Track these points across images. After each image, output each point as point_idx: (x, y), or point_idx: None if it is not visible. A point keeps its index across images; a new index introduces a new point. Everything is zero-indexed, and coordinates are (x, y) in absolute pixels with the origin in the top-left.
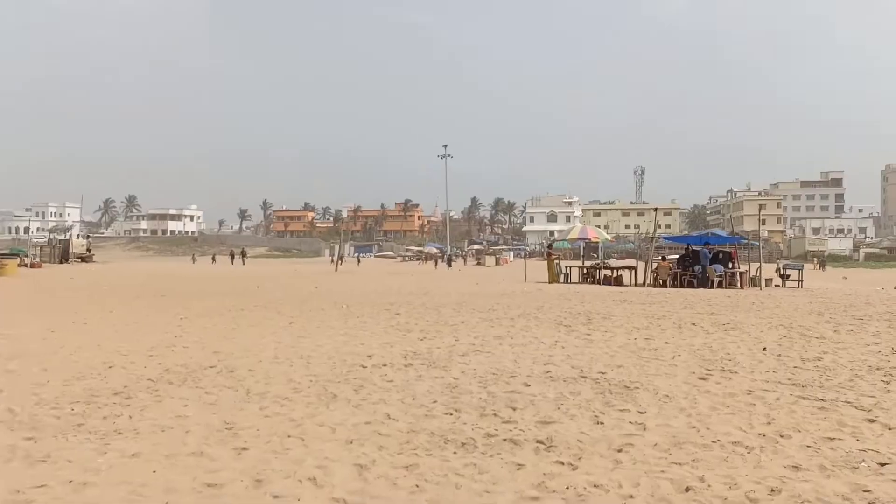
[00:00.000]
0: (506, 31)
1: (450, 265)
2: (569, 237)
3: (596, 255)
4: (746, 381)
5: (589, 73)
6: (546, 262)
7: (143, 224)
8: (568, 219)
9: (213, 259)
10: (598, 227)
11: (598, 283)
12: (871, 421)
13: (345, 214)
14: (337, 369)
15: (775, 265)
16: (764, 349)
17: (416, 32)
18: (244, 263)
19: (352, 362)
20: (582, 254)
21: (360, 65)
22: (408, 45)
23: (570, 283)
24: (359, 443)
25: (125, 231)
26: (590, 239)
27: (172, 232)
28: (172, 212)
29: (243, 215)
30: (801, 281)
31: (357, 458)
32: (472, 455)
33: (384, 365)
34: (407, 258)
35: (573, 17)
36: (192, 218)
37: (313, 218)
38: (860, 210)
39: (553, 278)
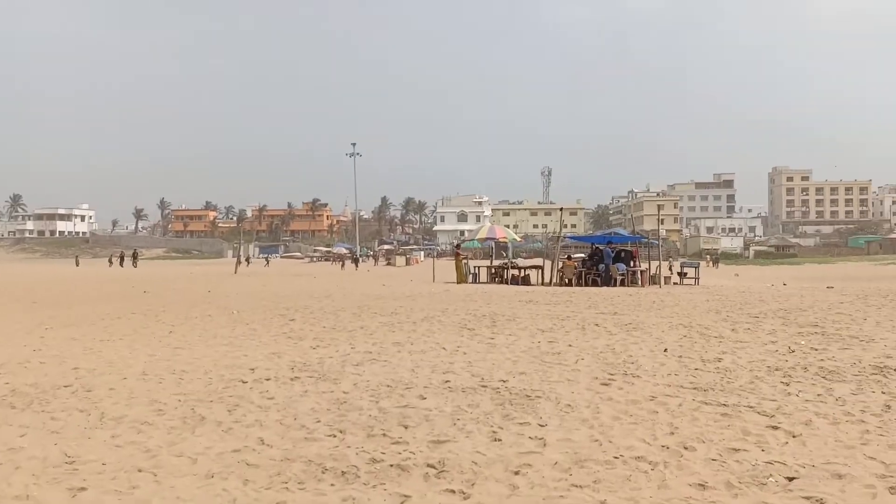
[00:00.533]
0: (412, 35)
1: (357, 266)
2: (478, 237)
3: (506, 255)
4: (649, 386)
5: (497, 74)
6: (454, 262)
7: (30, 224)
8: (478, 218)
9: (111, 262)
10: (507, 226)
11: (506, 283)
12: (775, 428)
13: (249, 214)
14: (212, 386)
15: (673, 264)
16: (665, 350)
17: (322, 29)
18: (135, 266)
19: (230, 377)
20: (492, 253)
21: (267, 62)
22: (318, 44)
23: (479, 282)
24: (221, 476)
25: (9, 232)
26: (498, 238)
27: (62, 233)
28: (61, 211)
29: (139, 215)
30: (698, 278)
31: (215, 496)
32: (351, 486)
33: (267, 379)
34: (315, 259)
35: (482, 16)
36: (83, 218)
37: (215, 217)
38: (749, 210)
39: (461, 278)
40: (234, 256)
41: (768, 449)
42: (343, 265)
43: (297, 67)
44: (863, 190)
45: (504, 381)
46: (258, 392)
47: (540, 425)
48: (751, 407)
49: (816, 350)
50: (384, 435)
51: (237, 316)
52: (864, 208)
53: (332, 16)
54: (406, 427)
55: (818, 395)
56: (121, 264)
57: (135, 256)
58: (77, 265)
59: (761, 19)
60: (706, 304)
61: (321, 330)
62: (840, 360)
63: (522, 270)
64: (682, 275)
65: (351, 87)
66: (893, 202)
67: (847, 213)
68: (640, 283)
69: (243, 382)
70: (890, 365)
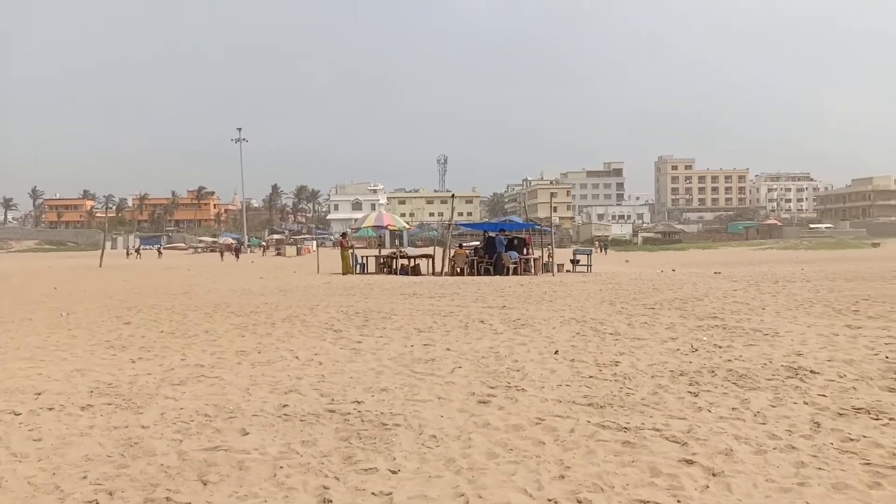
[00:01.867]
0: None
1: (238, 256)
2: (364, 225)
3: (400, 244)
4: (535, 403)
5: (396, 60)
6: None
7: None
8: (373, 206)
9: None
10: (403, 214)
11: (395, 274)
12: (690, 463)
13: (130, 203)
14: None
15: (571, 251)
16: (556, 352)
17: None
18: None
19: (2, 406)
20: (382, 243)
21: (147, 38)
22: (199, 13)
23: (367, 273)
24: None
25: None
26: (386, 226)
27: None
28: None
29: (7, 204)
30: (591, 266)
31: None
32: None
33: (50, 408)
34: (200, 250)
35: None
36: None
37: (92, 207)
38: (637, 198)
39: (347, 269)
40: (108, 249)
41: (685, 499)
42: (223, 256)
43: (183, 51)
44: (741, 178)
45: (358, 403)
46: (25, 429)
47: (391, 471)
48: (657, 430)
49: (721, 348)
50: (168, 500)
51: (64, 318)
52: (743, 195)
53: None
54: (205, 483)
55: (733, 408)
56: None
57: None
58: None
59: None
60: (599, 293)
61: (156, 336)
62: (748, 359)
63: (412, 260)
64: (574, 262)
65: (238, 72)
66: (769, 189)
67: (727, 200)
68: (533, 271)
69: (14, 415)
70: (804, 365)
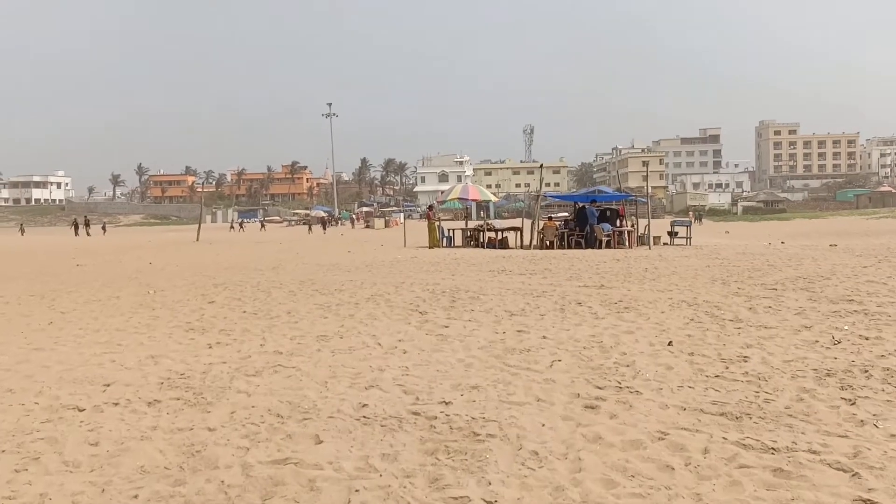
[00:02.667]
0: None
1: (325, 229)
2: (450, 197)
3: (486, 216)
4: (654, 410)
5: (484, 31)
6: (426, 224)
7: (4, 193)
8: (459, 178)
9: (77, 228)
10: (489, 186)
11: (482, 247)
12: None
13: (229, 178)
14: (34, 416)
15: (668, 223)
16: (670, 344)
17: None
18: (88, 234)
19: (66, 401)
20: (468, 215)
21: (240, 19)
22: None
23: (454, 246)
24: None
25: None
26: (471, 199)
27: (38, 201)
28: (37, 179)
29: (116, 181)
30: (690, 238)
31: None
32: None
33: (116, 403)
34: (293, 223)
35: None
36: (59, 185)
37: (194, 182)
38: (736, 165)
39: (434, 242)
40: (209, 223)
41: None
42: (310, 229)
43: (278, 29)
44: (851, 143)
45: (446, 404)
46: (84, 431)
47: (486, 502)
48: (814, 453)
49: (868, 340)
50: None
51: (150, 297)
52: (852, 161)
53: None
54: None
55: None
56: (75, 233)
57: (87, 224)
58: (22, 234)
59: None
60: (708, 270)
61: (238, 317)
62: None
63: (500, 233)
64: (672, 234)
65: (333, 50)
66: (882, 155)
67: (835, 166)
68: (627, 244)
69: (79, 411)
70: None
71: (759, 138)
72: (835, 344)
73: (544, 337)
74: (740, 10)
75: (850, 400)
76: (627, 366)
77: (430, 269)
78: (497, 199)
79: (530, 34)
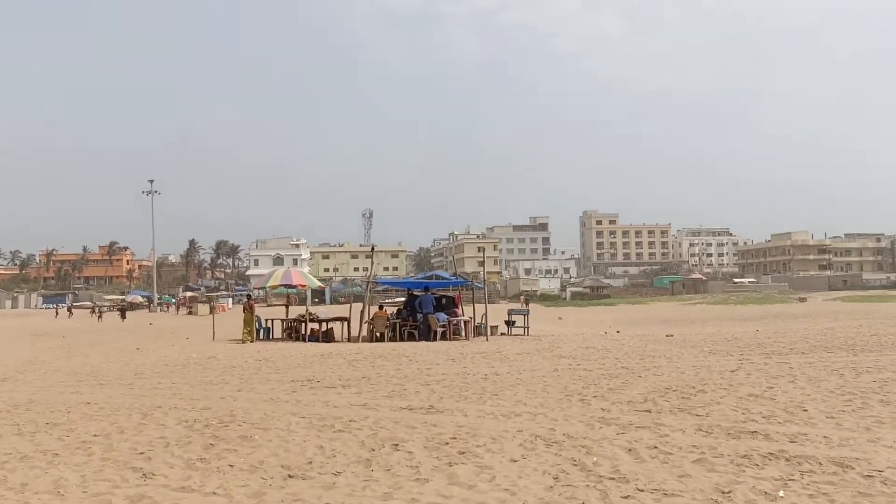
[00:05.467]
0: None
1: (124, 317)
2: (270, 283)
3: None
4: None
5: (313, 121)
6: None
7: None
8: (295, 261)
9: None
10: (327, 269)
11: (304, 340)
12: None
13: (38, 259)
14: None
15: (506, 311)
16: None
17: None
18: None
19: None
20: (308, 299)
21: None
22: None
23: (272, 338)
24: None
25: None
26: (295, 284)
27: None
28: None
29: None
30: (528, 327)
31: None
32: None
33: None
34: (105, 309)
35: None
36: None
37: None
38: (563, 252)
39: (247, 336)
40: (13, 307)
41: None
42: (100, 317)
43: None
44: (664, 233)
45: None
46: None
47: None
48: None
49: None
50: None
51: None
52: (666, 250)
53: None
54: None
55: None
56: None
57: None
58: None
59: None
60: (557, 377)
61: None
62: None
63: (324, 324)
64: (510, 324)
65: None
66: (690, 244)
67: (650, 254)
68: (463, 334)
69: None
70: None
71: (583, 227)
72: None
73: None
74: (546, 108)
75: None
76: None
77: (214, 379)
78: (323, 287)
79: (367, 128)
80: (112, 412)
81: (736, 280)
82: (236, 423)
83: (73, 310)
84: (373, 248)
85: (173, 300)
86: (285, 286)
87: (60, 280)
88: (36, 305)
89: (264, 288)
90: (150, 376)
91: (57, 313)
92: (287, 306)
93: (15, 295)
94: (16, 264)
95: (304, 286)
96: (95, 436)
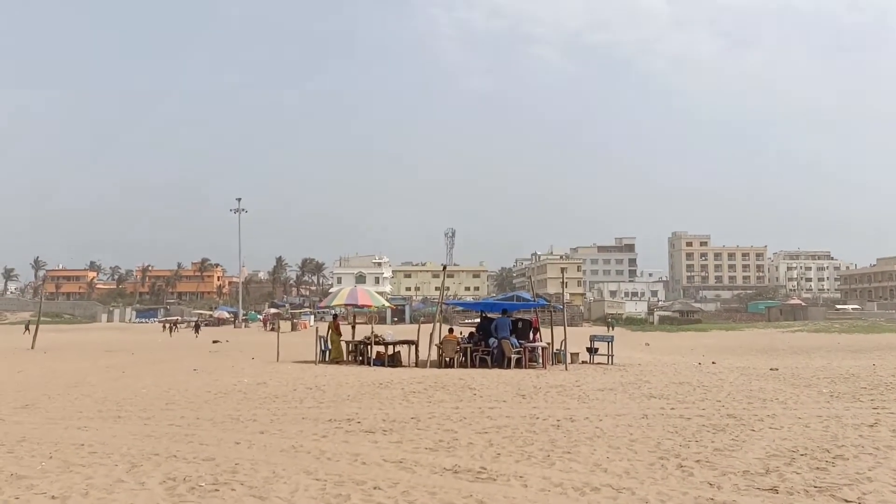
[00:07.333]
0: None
1: (197, 331)
2: (334, 302)
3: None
4: None
5: (409, 134)
6: (329, 333)
7: None
8: (377, 280)
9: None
10: (409, 288)
11: (369, 364)
12: None
13: (135, 275)
14: None
15: (588, 337)
16: None
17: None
18: None
19: None
20: (388, 318)
21: (153, 107)
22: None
23: (338, 362)
24: None
25: None
26: (360, 305)
27: None
28: None
29: (9, 275)
30: (612, 356)
31: None
32: None
33: None
34: (192, 323)
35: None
36: None
37: (94, 278)
38: (650, 274)
39: (337, 354)
40: (108, 320)
41: None
42: (171, 332)
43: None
44: (759, 255)
45: None
46: None
47: None
48: None
49: None
50: None
51: None
52: (761, 274)
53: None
54: None
55: None
56: None
57: None
58: None
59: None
60: (645, 426)
61: None
62: None
63: (390, 347)
64: (592, 351)
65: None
66: (788, 268)
67: (744, 278)
68: (541, 362)
69: None
70: None
71: (672, 248)
72: None
73: None
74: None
75: None
76: None
77: (244, 415)
78: (393, 307)
79: (454, 141)
80: (98, 460)
81: (838, 306)
82: (232, 484)
83: (177, 325)
84: (444, 268)
85: (259, 316)
86: (351, 306)
87: (154, 295)
88: (129, 319)
89: (330, 307)
90: (178, 407)
91: (164, 328)
92: (353, 326)
93: (111, 309)
94: (114, 279)
95: (370, 306)
96: (53, 498)
